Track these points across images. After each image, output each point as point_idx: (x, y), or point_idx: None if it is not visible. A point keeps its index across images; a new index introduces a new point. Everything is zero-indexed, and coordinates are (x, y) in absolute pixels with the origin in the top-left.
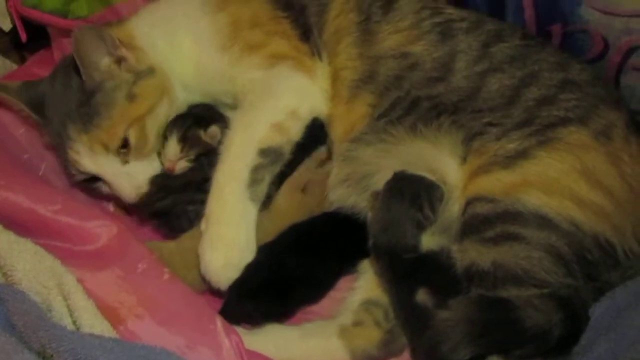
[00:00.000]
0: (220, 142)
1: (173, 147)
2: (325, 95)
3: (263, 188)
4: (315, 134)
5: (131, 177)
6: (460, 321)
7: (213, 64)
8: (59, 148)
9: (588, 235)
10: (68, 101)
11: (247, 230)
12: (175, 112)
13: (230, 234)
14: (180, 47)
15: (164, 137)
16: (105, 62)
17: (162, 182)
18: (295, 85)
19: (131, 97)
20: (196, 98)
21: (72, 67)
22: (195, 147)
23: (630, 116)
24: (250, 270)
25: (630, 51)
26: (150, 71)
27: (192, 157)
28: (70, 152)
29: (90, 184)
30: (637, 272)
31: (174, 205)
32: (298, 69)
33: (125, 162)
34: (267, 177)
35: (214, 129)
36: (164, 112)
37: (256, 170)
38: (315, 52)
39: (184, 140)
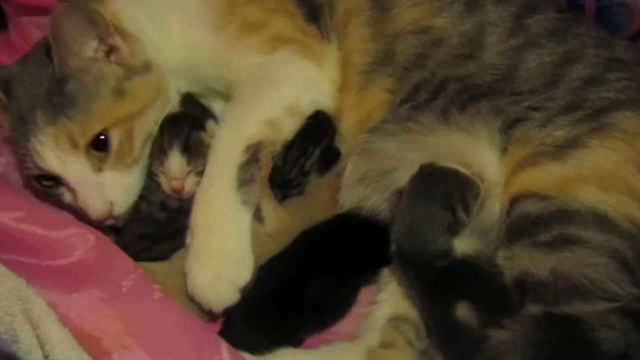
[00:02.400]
0: None
1: (177, 160)
2: (333, 86)
3: (256, 190)
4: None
5: (102, 189)
6: (521, 344)
7: (205, 46)
8: (20, 135)
9: None
10: (41, 83)
11: (239, 238)
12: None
13: (219, 244)
14: (167, 26)
15: (162, 153)
16: (90, 48)
17: (151, 230)
18: (299, 75)
19: (119, 94)
20: (185, 86)
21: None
22: (202, 154)
23: None
24: (257, 289)
25: None
26: (147, 67)
27: (201, 167)
28: (34, 141)
29: (51, 189)
30: None
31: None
32: (304, 55)
33: (99, 169)
34: (258, 177)
35: (212, 125)
36: (156, 117)
37: (244, 168)
38: (325, 35)
39: (188, 151)
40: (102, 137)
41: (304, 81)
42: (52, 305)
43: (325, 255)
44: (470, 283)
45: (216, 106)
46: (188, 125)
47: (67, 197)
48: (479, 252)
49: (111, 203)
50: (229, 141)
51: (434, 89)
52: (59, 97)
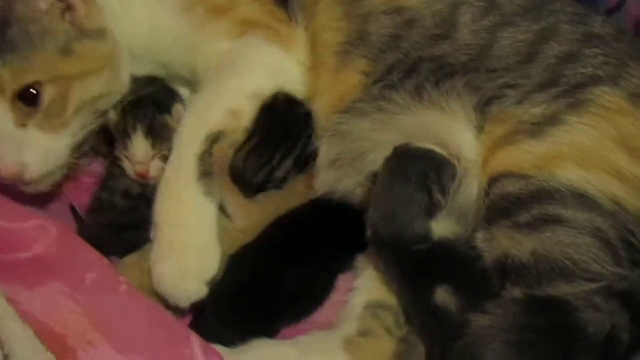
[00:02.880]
0: None
1: (141, 144)
2: (301, 69)
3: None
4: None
5: (20, 146)
6: (504, 329)
7: (170, 29)
8: None
9: (631, 215)
10: None
11: (205, 230)
12: (116, 94)
13: (184, 237)
14: (131, 5)
15: (126, 136)
16: (44, 2)
17: (113, 219)
18: (267, 62)
19: (65, 52)
20: (146, 69)
21: None
22: (167, 138)
23: None
24: (228, 280)
25: None
26: (100, 34)
27: (166, 151)
28: None
29: None
30: None
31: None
32: (272, 40)
33: (22, 124)
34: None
35: (178, 108)
36: (98, 87)
37: (203, 158)
38: (292, 15)
39: (152, 134)
40: (34, 91)
41: (272, 69)
42: (12, 301)
43: (299, 242)
44: (449, 267)
45: (182, 93)
46: (152, 108)
47: None
48: (457, 235)
49: (24, 165)
50: (192, 129)
51: (407, 68)
52: None
